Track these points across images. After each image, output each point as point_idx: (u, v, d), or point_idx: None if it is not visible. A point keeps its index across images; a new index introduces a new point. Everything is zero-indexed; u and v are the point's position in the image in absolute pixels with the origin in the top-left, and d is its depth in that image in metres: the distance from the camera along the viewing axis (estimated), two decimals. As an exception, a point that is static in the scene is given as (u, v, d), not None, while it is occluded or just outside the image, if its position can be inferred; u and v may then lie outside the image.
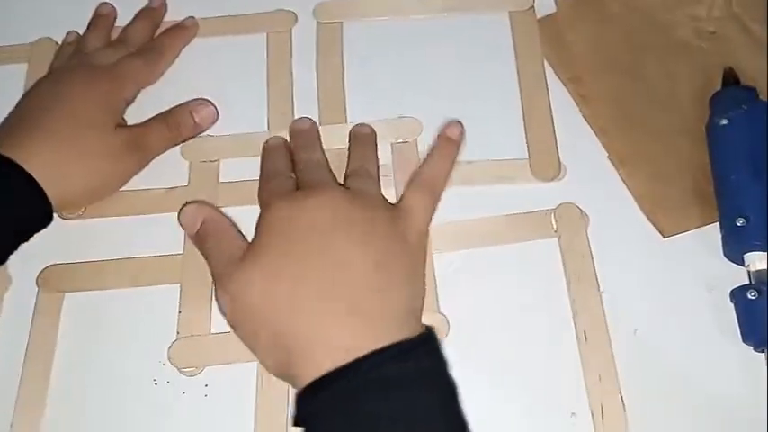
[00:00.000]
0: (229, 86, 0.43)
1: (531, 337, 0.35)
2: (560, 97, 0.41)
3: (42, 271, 0.38)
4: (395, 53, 0.44)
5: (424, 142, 0.40)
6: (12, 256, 0.38)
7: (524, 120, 0.41)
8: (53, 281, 0.38)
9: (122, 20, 0.44)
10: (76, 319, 0.37)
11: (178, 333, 0.36)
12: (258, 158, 0.40)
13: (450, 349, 0.34)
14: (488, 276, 0.37)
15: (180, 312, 0.36)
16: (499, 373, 0.35)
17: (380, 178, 0.39)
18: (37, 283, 0.37)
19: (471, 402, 0.32)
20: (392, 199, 0.39)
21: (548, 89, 0.41)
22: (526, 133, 0.40)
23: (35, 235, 0.38)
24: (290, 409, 0.34)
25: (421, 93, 0.42)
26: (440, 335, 0.34)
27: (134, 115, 0.41)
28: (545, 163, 0.39)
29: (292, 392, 0.33)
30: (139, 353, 0.36)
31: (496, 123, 0.41)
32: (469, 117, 0.40)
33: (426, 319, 0.34)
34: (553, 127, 0.40)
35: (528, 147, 0.40)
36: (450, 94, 0.42)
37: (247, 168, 0.40)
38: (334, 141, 0.40)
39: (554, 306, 0.36)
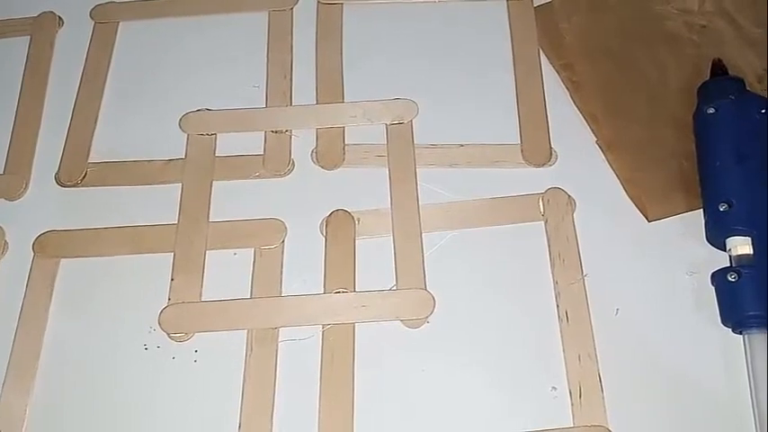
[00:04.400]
0: (229, 63, 0.44)
1: (515, 316, 0.36)
2: (552, 83, 0.42)
3: (38, 237, 0.39)
4: (393, 35, 0.44)
5: (419, 124, 0.41)
6: (8, 222, 0.39)
7: (518, 105, 0.41)
8: (49, 247, 0.38)
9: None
10: (71, 285, 0.38)
11: (169, 300, 0.37)
12: (254, 134, 0.41)
13: (436, 326, 0.35)
14: (475, 256, 0.38)
15: (172, 280, 0.37)
16: (483, 350, 0.35)
17: (375, 159, 0.40)
18: (33, 249, 0.38)
19: (455, 377, 0.34)
20: (384, 179, 0.39)
21: (542, 76, 0.42)
22: (519, 118, 0.41)
23: (33, 202, 0.39)
24: (277, 376, 0.35)
25: (417, 75, 0.43)
26: (425, 312, 0.36)
27: (136, 91, 0.42)
28: (536, 148, 0.40)
29: (281, 360, 0.34)
30: (131, 319, 0.36)
31: (490, 108, 0.42)
32: (464, 100, 0.42)
33: (413, 297, 0.36)
34: (546, 113, 0.41)
35: (520, 132, 0.41)
36: (445, 77, 0.43)
37: (242, 143, 0.41)
38: (330, 120, 0.41)
39: (538, 287, 0.36)
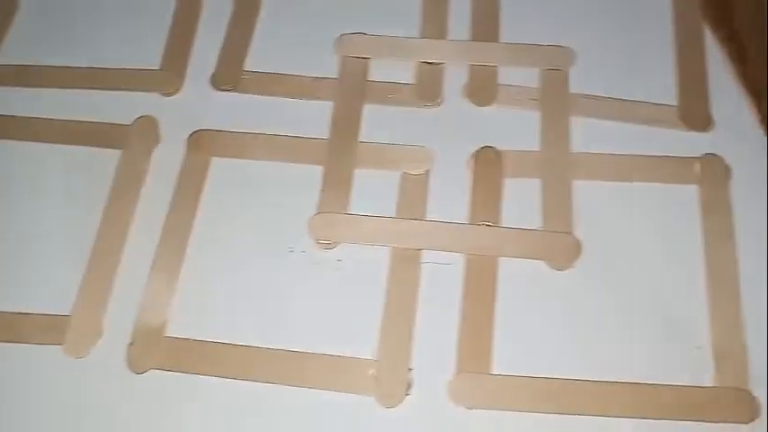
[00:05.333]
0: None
1: (663, 273, 0.35)
2: (714, 56, 0.41)
3: (192, 134, 0.39)
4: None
5: (576, 75, 0.41)
6: (163, 117, 0.39)
7: (678, 65, 0.40)
8: (202, 144, 0.39)
9: None
10: (220, 183, 0.38)
11: (319, 209, 0.37)
12: (407, 63, 0.41)
13: (580, 273, 0.35)
14: (625, 210, 0.37)
15: (322, 191, 0.38)
16: (627, 301, 0.35)
17: (527, 101, 0.40)
18: (186, 144, 0.39)
19: (596, 324, 0.34)
20: (535, 123, 0.38)
21: (704, 42, 0.42)
22: (679, 80, 0.40)
23: (187, 99, 0.40)
24: (419, 296, 0.35)
25: (576, 23, 0.42)
26: (572, 256, 0.35)
27: (292, 7, 0.42)
28: (695, 112, 0.39)
29: (424, 279, 0.35)
30: (278, 221, 0.37)
31: (646, 64, 0.41)
32: (624, 54, 0.41)
33: (561, 240, 0.36)
34: (706, 79, 0.40)
35: (679, 93, 0.40)
36: (606, 28, 0.42)
37: (395, 70, 0.41)
38: (484, 58, 0.41)
39: (687, 248, 0.36)
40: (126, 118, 0.40)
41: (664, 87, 0.41)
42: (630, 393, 0.33)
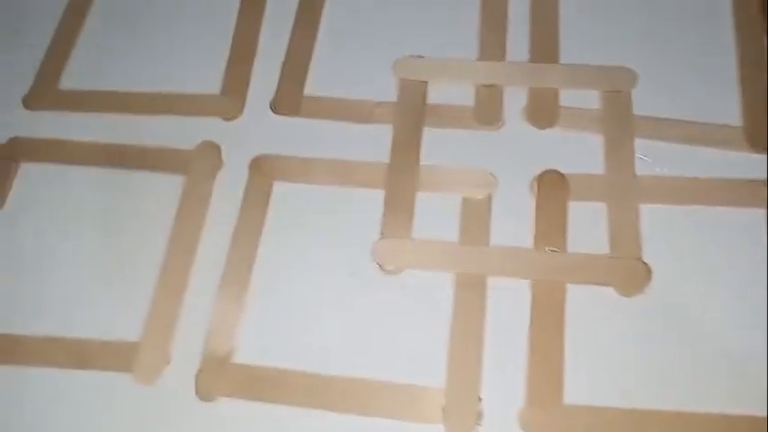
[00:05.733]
0: (442, 11, 0.43)
1: (730, 301, 0.35)
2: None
3: (254, 158, 0.40)
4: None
5: (638, 95, 0.40)
6: (225, 142, 0.40)
7: (742, 85, 0.40)
8: (264, 168, 0.39)
9: None
10: (283, 207, 0.38)
11: (382, 234, 0.37)
12: (466, 86, 0.41)
13: (650, 299, 0.34)
14: (692, 234, 0.36)
15: (384, 216, 0.37)
16: (698, 328, 0.34)
17: (589, 123, 0.39)
18: (249, 168, 0.39)
19: (667, 352, 0.33)
20: (598, 145, 0.38)
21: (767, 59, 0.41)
22: (743, 99, 0.39)
23: (248, 124, 0.40)
24: (486, 323, 0.35)
25: (638, 42, 0.41)
26: (641, 283, 0.35)
27: (349, 31, 0.42)
28: (760, 132, 0.38)
29: (490, 306, 0.35)
30: (342, 246, 0.37)
31: (707, 82, 0.40)
32: (687, 74, 0.40)
33: (628, 267, 0.35)
34: (771, 98, 0.41)
35: (743, 114, 0.39)
36: (668, 48, 0.41)
37: (454, 93, 0.41)
38: (544, 81, 0.40)
39: (757, 277, 0.35)
40: (188, 143, 0.40)
41: (728, 108, 0.40)
42: (703, 424, 0.32)
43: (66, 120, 0.42)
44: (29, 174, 0.40)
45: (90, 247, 0.38)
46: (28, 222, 0.39)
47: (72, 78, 0.43)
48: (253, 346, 0.35)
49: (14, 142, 0.41)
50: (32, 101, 0.42)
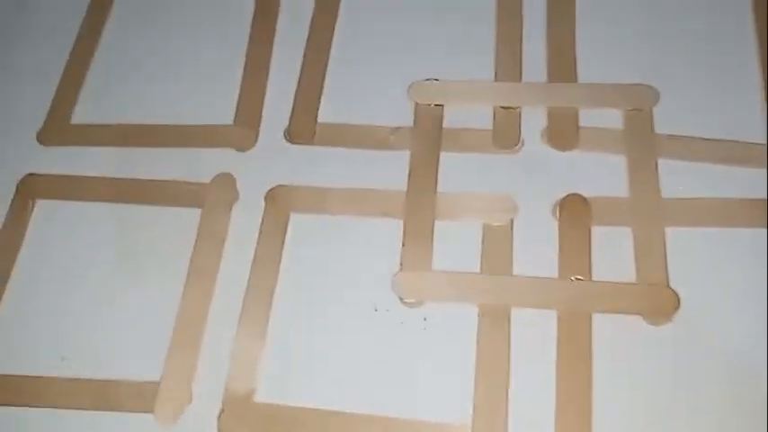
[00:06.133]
0: (457, 32, 0.42)
1: (764, 327, 0.33)
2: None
3: (270, 190, 0.39)
4: (627, 12, 0.42)
5: (661, 113, 0.39)
6: (240, 173, 0.39)
7: (765, 102, 0.38)
8: (280, 200, 0.39)
9: None
10: (301, 240, 0.38)
11: (401, 265, 0.36)
12: (483, 108, 0.40)
13: (680, 327, 0.34)
14: (720, 257, 0.35)
15: (403, 246, 0.37)
16: (731, 356, 0.33)
17: (610, 144, 0.38)
18: (264, 200, 0.39)
19: (699, 383, 0.32)
20: (620, 166, 0.37)
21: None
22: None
23: (262, 154, 0.39)
24: (511, 356, 0.34)
25: (658, 59, 0.40)
26: (670, 311, 0.34)
27: (362, 56, 0.41)
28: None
29: (515, 338, 0.34)
30: (361, 279, 0.36)
31: (731, 98, 0.39)
32: (709, 90, 0.39)
33: (655, 295, 0.34)
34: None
35: (770, 131, 0.40)
36: (689, 64, 0.40)
37: (470, 116, 0.40)
38: (563, 101, 0.39)
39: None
40: (202, 175, 0.40)
41: (752, 124, 0.39)
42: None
43: (80, 154, 0.41)
44: (45, 211, 0.40)
45: (108, 287, 0.37)
46: (45, 261, 0.38)
47: (84, 113, 0.43)
48: (274, 384, 0.35)
49: (30, 179, 0.41)
50: (46, 136, 0.42)
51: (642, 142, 0.38)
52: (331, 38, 0.44)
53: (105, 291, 0.37)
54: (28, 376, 0.36)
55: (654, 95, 0.39)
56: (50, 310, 0.37)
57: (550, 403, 0.33)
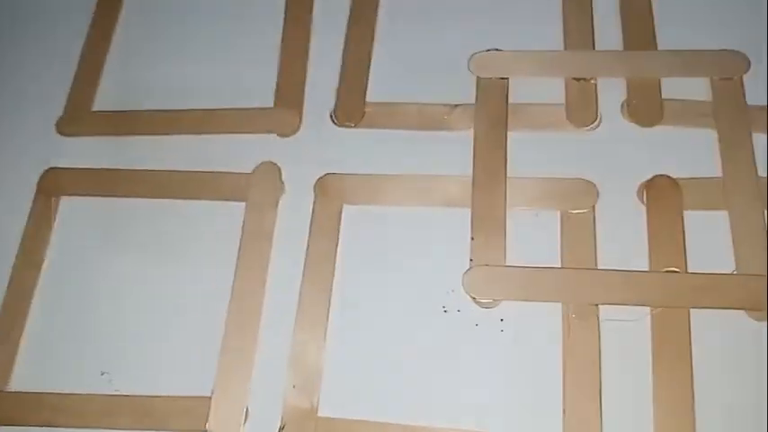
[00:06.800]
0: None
1: None
2: None
3: (319, 179, 0.35)
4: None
5: (751, 82, 0.35)
6: (285, 161, 0.35)
7: None
8: (331, 190, 0.35)
9: None
10: (356, 235, 0.34)
11: (471, 260, 0.33)
12: (554, 81, 0.36)
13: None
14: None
15: (472, 239, 0.33)
16: None
17: (697, 118, 0.34)
18: (314, 191, 0.35)
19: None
20: (710, 142, 0.33)
21: None
22: None
23: (308, 140, 0.35)
24: (602, 361, 0.30)
25: (745, 21, 0.36)
26: None
27: (413, 28, 0.37)
28: None
29: (605, 340, 0.30)
30: (427, 277, 0.33)
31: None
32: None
33: (759, 286, 0.30)
34: None
35: None
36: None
37: (540, 90, 0.36)
38: (643, 70, 0.35)
39: None
40: (243, 165, 0.36)
41: None
42: None
43: (104, 145, 0.37)
44: (69, 209, 0.36)
45: (148, 294, 0.33)
46: (75, 266, 0.34)
47: (107, 98, 0.39)
48: (338, 397, 0.31)
49: (52, 174, 0.37)
50: (66, 125, 0.38)
51: (733, 114, 0.34)
52: (377, 6, 0.39)
53: (145, 298, 0.34)
54: (64, 394, 0.32)
55: (744, 62, 0.35)
56: (85, 321, 0.33)
57: (648, 410, 0.29)
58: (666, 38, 0.37)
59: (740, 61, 0.35)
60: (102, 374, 0.32)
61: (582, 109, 0.35)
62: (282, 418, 0.31)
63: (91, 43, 0.40)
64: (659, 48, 0.36)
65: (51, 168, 0.37)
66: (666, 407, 0.29)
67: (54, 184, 0.37)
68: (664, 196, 0.33)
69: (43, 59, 0.40)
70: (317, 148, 0.36)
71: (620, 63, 0.36)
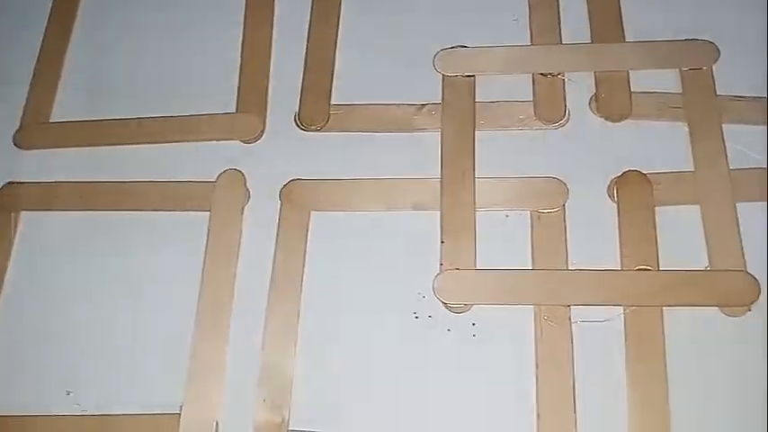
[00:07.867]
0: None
1: None
2: None
3: (285, 185, 0.34)
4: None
5: (721, 72, 0.35)
6: (249, 168, 0.34)
7: None
8: (298, 197, 0.34)
9: None
10: (325, 242, 0.33)
11: (441, 264, 0.32)
12: (521, 77, 0.35)
13: (761, 318, 0.30)
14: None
15: (442, 242, 0.32)
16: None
17: (668, 110, 0.34)
18: (280, 198, 0.34)
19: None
20: (681, 135, 0.32)
21: None
22: None
23: (272, 145, 0.35)
24: (575, 361, 0.30)
25: (710, 10, 0.36)
26: (748, 299, 0.29)
27: (377, 27, 0.37)
28: None
29: (578, 341, 0.30)
30: (397, 283, 0.32)
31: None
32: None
33: (733, 280, 0.30)
34: None
35: None
36: (741, 16, 0.35)
37: (507, 87, 0.35)
38: (611, 63, 0.34)
39: None
40: (206, 173, 0.35)
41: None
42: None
43: (65, 158, 0.36)
44: (30, 224, 0.35)
45: (112, 309, 0.32)
46: (37, 283, 0.34)
47: (65, 108, 0.37)
48: (308, 412, 0.30)
49: (10, 189, 0.36)
50: (24, 138, 0.37)
51: (704, 106, 0.34)
52: (339, 5, 0.38)
53: (110, 314, 0.33)
54: (29, 416, 0.31)
55: (713, 51, 0.35)
56: (48, 339, 0.33)
57: (622, 410, 0.29)
58: (634, 29, 0.36)
59: (709, 51, 0.35)
60: (68, 394, 0.31)
61: (550, 105, 0.35)
62: (253, 435, 0.31)
63: (46, 54, 0.38)
64: (627, 40, 0.36)
65: (10, 183, 0.36)
66: (641, 407, 0.29)
67: (13, 200, 0.36)
68: (634, 192, 0.32)
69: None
70: (281, 153, 0.35)
71: (588, 57, 0.35)
